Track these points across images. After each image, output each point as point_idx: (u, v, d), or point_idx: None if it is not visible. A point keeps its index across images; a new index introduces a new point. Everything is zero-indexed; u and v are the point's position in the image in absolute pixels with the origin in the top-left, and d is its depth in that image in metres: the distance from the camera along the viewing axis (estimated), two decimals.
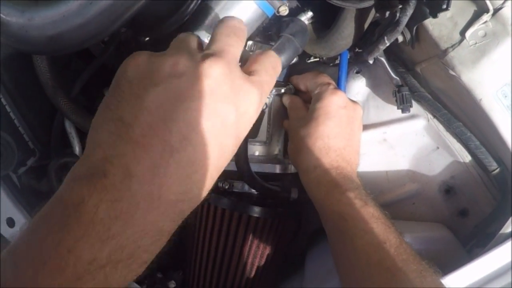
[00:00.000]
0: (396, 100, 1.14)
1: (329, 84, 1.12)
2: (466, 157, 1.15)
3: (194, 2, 0.96)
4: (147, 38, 1.09)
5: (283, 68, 1.06)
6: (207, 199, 1.21)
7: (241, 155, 1.09)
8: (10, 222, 1.25)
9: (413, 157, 1.23)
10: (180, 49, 0.67)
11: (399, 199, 1.24)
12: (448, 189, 1.19)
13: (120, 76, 0.63)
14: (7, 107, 1.19)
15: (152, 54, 0.64)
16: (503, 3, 0.96)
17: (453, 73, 1.00)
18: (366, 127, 1.21)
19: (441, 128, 1.16)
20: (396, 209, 1.23)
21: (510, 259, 0.96)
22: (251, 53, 0.96)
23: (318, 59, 1.29)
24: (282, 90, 1.21)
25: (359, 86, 1.27)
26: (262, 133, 1.22)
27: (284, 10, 1.02)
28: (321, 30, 1.18)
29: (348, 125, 1.07)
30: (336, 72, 1.19)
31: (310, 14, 1.11)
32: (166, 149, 0.58)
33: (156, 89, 0.59)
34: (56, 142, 1.28)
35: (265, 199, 1.23)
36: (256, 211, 1.18)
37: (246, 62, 0.74)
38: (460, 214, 1.20)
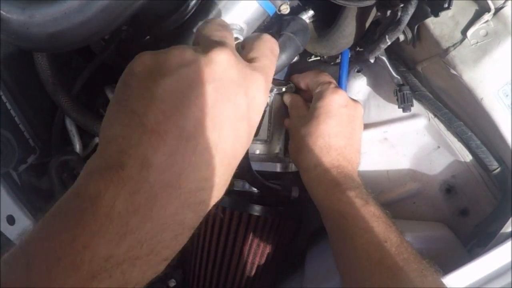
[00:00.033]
0: (397, 99, 1.14)
1: (330, 83, 1.11)
2: (467, 157, 1.15)
3: (195, 1, 0.96)
4: (147, 37, 1.09)
5: (284, 67, 1.06)
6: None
7: None
8: (10, 220, 1.25)
9: (414, 156, 1.22)
10: (182, 45, 0.67)
11: (399, 198, 1.24)
12: (449, 189, 1.19)
13: (127, 75, 0.62)
14: (7, 104, 1.19)
15: (156, 51, 0.64)
16: (504, 2, 0.96)
17: (455, 72, 1.00)
18: (367, 126, 1.21)
19: (442, 127, 1.16)
20: (396, 208, 1.23)
21: (510, 259, 0.96)
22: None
23: (319, 58, 1.30)
24: (283, 89, 1.21)
25: (360, 85, 1.27)
26: (263, 132, 1.22)
27: (285, 9, 1.02)
28: (322, 28, 1.18)
29: (349, 124, 1.07)
30: (337, 71, 1.19)
31: (311, 12, 1.11)
32: (182, 135, 0.57)
33: (166, 79, 0.58)
34: (57, 139, 1.28)
35: (266, 198, 1.23)
36: (256, 209, 1.18)
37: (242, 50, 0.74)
38: (461, 214, 1.20)
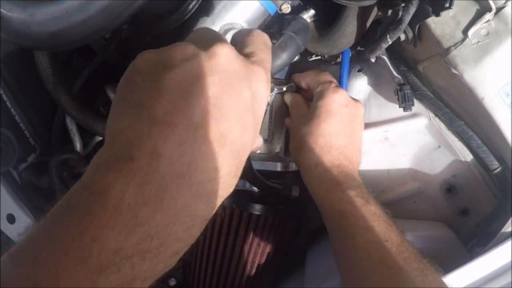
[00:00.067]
0: (398, 99, 1.14)
1: (330, 82, 1.11)
2: (468, 156, 1.15)
3: (196, 1, 0.96)
4: (148, 36, 1.09)
5: (285, 66, 1.06)
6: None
7: None
8: (11, 219, 1.25)
9: (415, 156, 1.22)
10: (184, 42, 0.68)
11: (400, 197, 1.24)
12: (450, 188, 1.19)
13: (131, 72, 0.62)
14: (8, 103, 1.19)
15: (158, 49, 0.64)
16: (505, 2, 0.97)
17: (456, 72, 1.00)
18: (367, 125, 1.21)
19: (442, 127, 1.16)
20: (397, 207, 1.23)
21: (510, 259, 0.96)
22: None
23: (320, 57, 1.30)
24: (284, 88, 1.20)
25: (360, 85, 1.26)
26: (264, 131, 1.22)
27: (286, 8, 1.02)
28: (323, 28, 1.18)
29: (349, 123, 1.07)
30: (338, 70, 1.19)
31: (312, 12, 1.11)
32: (191, 125, 0.57)
33: (171, 72, 0.58)
34: (57, 138, 1.28)
35: (266, 197, 1.23)
36: (257, 209, 1.18)
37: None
38: (461, 213, 1.20)
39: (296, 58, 1.17)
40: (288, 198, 1.21)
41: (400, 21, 0.98)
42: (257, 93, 0.66)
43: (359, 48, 1.23)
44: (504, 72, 0.97)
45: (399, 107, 1.14)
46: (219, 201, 0.62)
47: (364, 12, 1.08)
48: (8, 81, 1.19)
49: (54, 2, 0.80)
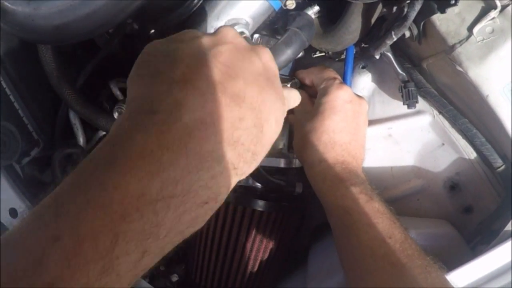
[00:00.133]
0: (402, 96, 1.14)
1: (335, 78, 1.11)
2: (471, 154, 1.14)
3: None
4: (152, 30, 1.09)
5: (289, 62, 1.06)
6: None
7: None
8: (13, 213, 1.25)
9: (418, 153, 1.22)
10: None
11: (403, 195, 1.24)
12: (453, 186, 1.19)
13: (142, 56, 0.64)
14: (11, 97, 1.19)
15: (165, 38, 0.66)
16: (511, 0, 0.96)
17: (460, 69, 1.00)
18: (371, 122, 1.21)
19: (446, 124, 1.16)
20: (400, 205, 1.23)
21: None
22: None
23: (324, 53, 1.29)
24: (288, 85, 1.20)
25: (364, 81, 1.26)
26: None
27: (291, 4, 1.02)
28: (328, 24, 1.18)
29: (353, 120, 1.06)
30: (342, 67, 1.19)
31: (316, 8, 1.11)
32: (209, 80, 0.58)
33: (181, 47, 0.61)
34: (60, 133, 1.28)
35: (270, 193, 1.23)
36: (260, 205, 1.18)
37: None
38: (465, 211, 1.19)
39: (300, 54, 1.17)
40: (291, 194, 1.21)
41: (405, 18, 0.98)
42: (267, 65, 0.69)
43: (363, 45, 1.23)
44: (508, 69, 0.97)
45: (403, 104, 1.14)
46: (248, 154, 0.62)
47: (368, 9, 1.07)
48: (12, 75, 1.19)
49: None
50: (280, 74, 1.17)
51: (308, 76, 1.18)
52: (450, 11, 0.98)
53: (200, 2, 0.97)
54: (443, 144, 1.18)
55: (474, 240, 1.14)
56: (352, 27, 1.09)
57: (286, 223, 1.25)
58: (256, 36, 1.12)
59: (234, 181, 0.62)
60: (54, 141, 1.29)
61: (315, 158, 1.03)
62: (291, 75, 1.23)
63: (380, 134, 1.24)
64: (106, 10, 0.80)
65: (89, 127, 1.28)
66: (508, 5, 0.97)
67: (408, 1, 0.98)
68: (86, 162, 0.53)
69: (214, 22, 0.99)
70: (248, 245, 1.22)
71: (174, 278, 1.36)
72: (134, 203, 0.49)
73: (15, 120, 1.19)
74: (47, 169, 1.34)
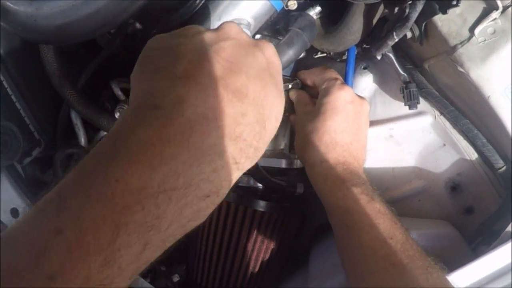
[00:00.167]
0: (404, 97, 1.14)
1: (336, 79, 1.11)
2: (473, 155, 1.14)
3: None
4: (154, 30, 1.09)
5: (291, 62, 1.06)
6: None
7: None
8: (14, 213, 1.25)
9: (420, 154, 1.22)
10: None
11: (405, 195, 1.24)
12: (454, 187, 1.19)
13: (146, 51, 0.65)
14: (13, 97, 1.19)
15: (169, 32, 0.67)
16: None
17: (462, 70, 1.00)
18: (372, 123, 1.21)
19: (448, 125, 1.16)
20: (402, 205, 1.23)
21: None
22: None
23: (325, 54, 1.29)
24: (289, 85, 1.20)
25: (366, 82, 1.26)
26: None
27: (293, 4, 1.02)
28: (329, 25, 1.18)
29: (355, 120, 1.06)
30: (343, 67, 1.19)
31: (318, 8, 1.11)
32: (211, 76, 0.59)
33: (184, 43, 0.62)
34: (62, 133, 1.28)
35: (271, 194, 1.23)
36: (261, 205, 1.18)
37: None
38: (466, 212, 1.19)
39: (302, 55, 1.17)
40: (292, 195, 1.21)
41: (406, 19, 0.98)
42: (270, 58, 0.69)
43: (365, 45, 1.23)
44: (510, 70, 0.97)
45: (405, 105, 1.14)
46: (250, 150, 0.63)
47: (370, 9, 1.08)
48: (13, 75, 1.19)
49: None
50: (282, 75, 1.18)
51: (310, 76, 1.18)
52: (452, 12, 0.98)
53: (202, 2, 0.97)
54: (444, 145, 1.18)
55: (475, 241, 1.14)
56: (354, 28, 1.10)
57: (287, 223, 1.25)
58: (257, 36, 1.12)
59: (236, 176, 0.62)
60: (55, 141, 1.29)
61: (316, 158, 1.03)
62: (293, 76, 1.24)
63: (381, 134, 1.24)
64: (108, 10, 0.80)
65: (90, 127, 1.28)
66: (509, 6, 0.97)
67: (409, 2, 0.98)
68: (88, 157, 0.54)
69: (216, 22, 0.99)
70: (249, 246, 1.22)
71: (175, 278, 1.36)
72: (136, 196, 0.50)
73: (16, 120, 1.19)
74: (49, 169, 1.34)
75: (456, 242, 1.13)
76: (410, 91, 1.12)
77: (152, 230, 0.51)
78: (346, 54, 1.21)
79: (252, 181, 1.21)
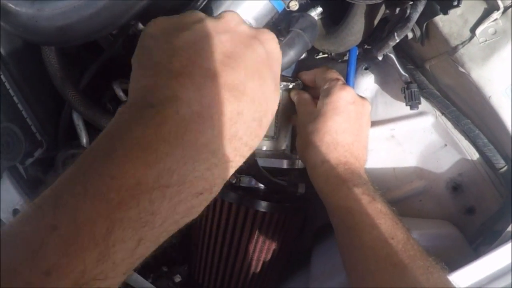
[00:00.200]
0: (405, 97, 1.14)
1: (337, 79, 1.11)
2: (474, 155, 1.15)
3: None
4: None
5: (292, 63, 1.06)
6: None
7: None
8: (16, 213, 1.25)
9: (421, 154, 1.22)
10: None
11: (406, 196, 1.24)
12: (456, 187, 1.19)
13: (144, 39, 0.65)
14: (15, 98, 1.20)
15: (169, 16, 0.68)
16: None
17: (463, 70, 1.00)
18: (374, 123, 1.21)
19: (449, 125, 1.16)
20: (403, 206, 1.23)
21: None
22: None
23: (326, 55, 1.29)
24: (291, 86, 1.20)
25: (367, 83, 1.26)
26: (270, 128, 1.22)
27: (294, 5, 1.02)
28: (331, 25, 1.18)
29: (356, 121, 1.06)
30: (345, 68, 1.19)
31: (319, 9, 1.11)
32: (208, 73, 0.59)
33: (183, 34, 0.62)
34: (64, 133, 1.28)
35: (272, 194, 1.23)
36: (263, 205, 1.18)
37: None
38: (467, 212, 1.20)
39: (303, 55, 1.17)
40: (294, 195, 1.21)
41: (408, 19, 0.98)
42: (270, 51, 0.69)
43: (366, 46, 1.23)
44: (511, 70, 0.97)
45: (406, 105, 1.14)
46: (245, 148, 0.64)
47: (371, 10, 1.08)
48: (15, 76, 1.19)
49: None
50: (283, 75, 1.18)
51: (311, 77, 1.19)
52: (453, 12, 0.98)
53: (204, 2, 0.97)
54: (445, 145, 1.18)
55: (477, 241, 1.14)
56: (355, 29, 1.10)
57: (288, 224, 1.26)
58: None
59: (229, 173, 0.63)
60: (57, 142, 1.29)
61: (317, 158, 1.03)
62: (294, 76, 1.24)
63: (382, 135, 1.24)
64: (110, 12, 0.80)
65: (92, 128, 1.28)
66: (510, 6, 0.97)
67: (410, 3, 0.98)
68: (84, 154, 0.54)
69: None
70: (251, 246, 1.22)
71: (177, 278, 1.36)
72: (130, 192, 0.50)
73: (18, 121, 1.19)
74: (51, 170, 1.34)
75: (457, 242, 1.13)
76: (411, 91, 1.13)
77: (147, 226, 0.52)
78: (347, 55, 1.21)
79: (253, 182, 1.21)
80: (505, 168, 1.09)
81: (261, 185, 1.22)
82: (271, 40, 0.70)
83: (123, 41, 1.14)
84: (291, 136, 1.26)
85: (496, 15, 0.96)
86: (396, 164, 1.25)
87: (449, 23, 1.01)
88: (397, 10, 1.06)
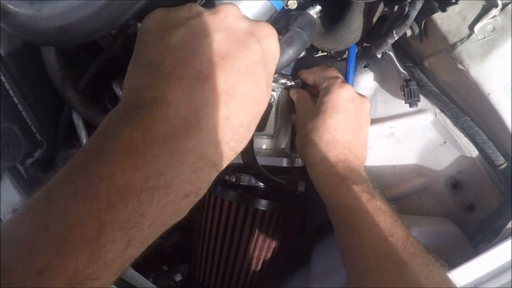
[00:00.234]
0: (404, 95, 1.14)
1: (337, 77, 1.11)
2: (473, 152, 1.15)
3: None
4: None
5: (291, 62, 1.06)
6: (213, 191, 1.22)
7: (248, 148, 1.09)
8: None
9: (420, 152, 1.22)
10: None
11: (406, 193, 1.24)
12: (455, 184, 1.19)
13: (142, 32, 0.65)
14: (14, 98, 1.20)
15: (168, 8, 0.67)
16: None
17: (461, 67, 1.00)
18: (373, 121, 1.21)
19: (448, 122, 1.16)
20: (403, 203, 1.23)
21: None
22: None
23: (326, 53, 1.29)
24: (290, 84, 1.20)
25: (366, 80, 1.26)
26: (270, 127, 1.22)
27: (292, 4, 1.02)
28: (330, 24, 1.18)
29: (355, 119, 1.06)
30: (344, 66, 1.19)
31: (318, 8, 1.11)
32: (199, 77, 0.59)
33: (178, 30, 0.62)
34: (64, 133, 1.28)
35: (272, 193, 1.23)
36: (262, 204, 1.18)
37: None
38: (467, 209, 1.20)
39: (302, 54, 1.17)
40: (293, 193, 1.21)
41: (406, 17, 0.99)
42: (267, 48, 0.68)
43: (365, 44, 1.23)
44: (510, 67, 0.98)
45: (405, 103, 1.14)
46: (231, 152, 0.64)
47: (370, 8, 1.08)
48: (15, 77, 1.19)
49: None
50: (283, 74, 1.18)
51: (310, 75, 1.19)
52: (451, 9, 0.98)
53: (203, 2, 0.97)
54: (445, 142, 1.18)
55: (476, 238, 1.14)
56: (354, 27, 1.10)
57: (288, 222, 1.26)
58: None
59: (214, 176, 0.63)
60: (57, 142, 1.29)
61: (317, 156, 1.04)
62: (294, 75, 1.24)
63: (382, 132, 1.24)
64: (109, 12, 0.80)
65: (92, 128, 1.28)
66: (509, 3, 0.97)
67: (409, 0, 0.98)
68: (75, 156, 0.55)
69: None
70: (251, 245, 1.22)
71: (178, 277, 1.36)
72: (119, 193, 0.51)
73: (18, 122, 1.20)
74: (51, 170, 1.35)
75: (457, 240, 1.13)
76: (410, 89, 1.13)
77: (136, 227, 0.53)
78: (346, 53, 1.21)
79: (253, 180, 1.22)
80: (505, 165, 1.09)
81: (261, 184, 1.22)
82: (269, 36, 0.70)
83: (122, 41, 1.14)
84: (290, 135, 1.26)
85: (494, 12, 0.96)
86: (395, 161, 1.25)
87: (447, 21, 1.01)
88: (396, 7, 1.06)
